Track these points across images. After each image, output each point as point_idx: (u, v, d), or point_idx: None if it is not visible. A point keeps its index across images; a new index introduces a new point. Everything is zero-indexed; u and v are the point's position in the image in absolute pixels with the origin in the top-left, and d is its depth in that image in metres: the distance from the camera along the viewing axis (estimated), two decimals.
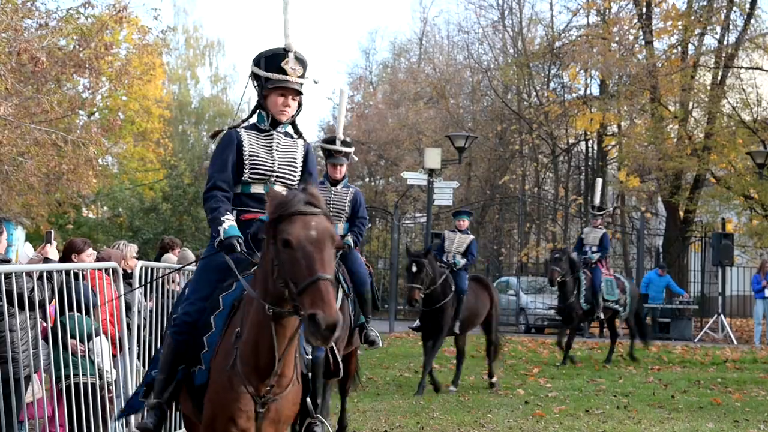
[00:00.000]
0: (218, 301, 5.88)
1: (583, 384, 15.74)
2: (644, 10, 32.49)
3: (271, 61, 6.20)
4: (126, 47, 27.81)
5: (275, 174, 6.24)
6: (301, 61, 6.22)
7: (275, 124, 6.30)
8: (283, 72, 6.16)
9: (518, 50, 41.84)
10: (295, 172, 6.31)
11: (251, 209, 6.20)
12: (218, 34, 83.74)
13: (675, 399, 14.06)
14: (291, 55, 6.18)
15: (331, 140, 10.67)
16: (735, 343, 24.60)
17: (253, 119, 6.42)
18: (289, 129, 6.45)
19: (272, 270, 5.10)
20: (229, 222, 5.98)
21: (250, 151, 6.19)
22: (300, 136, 6.50)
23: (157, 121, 39.04)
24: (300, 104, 6.35)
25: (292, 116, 6.34)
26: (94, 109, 29.21)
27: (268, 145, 6.27)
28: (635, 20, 33.51)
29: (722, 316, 26.31)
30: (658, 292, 26.65)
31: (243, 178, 6.21)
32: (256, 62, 6.26)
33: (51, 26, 20.73)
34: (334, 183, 10.61)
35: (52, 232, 8.54)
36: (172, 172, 38.41)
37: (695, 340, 25.00)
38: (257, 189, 6.25)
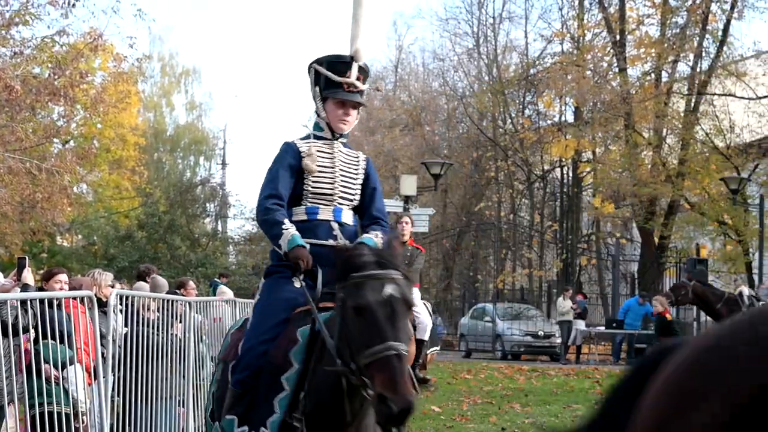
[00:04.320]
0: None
1: (560, 410, 15.75)
2: (618, 37, 32.72)
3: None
4: (101, 75, 27.77)
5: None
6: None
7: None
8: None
9: (493, 77, 42.05)
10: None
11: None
12: (194, 61, 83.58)
13: None
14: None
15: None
16: None
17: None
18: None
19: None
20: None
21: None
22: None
23: (132, 148, 38.97)
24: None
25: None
26: (69, 137, 29.11)
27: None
28: (609, 48, 33.75)
29: None
30: (635, 319, 26.75)
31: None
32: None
33: (26, 54, 20.71)
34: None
35: (26, 258, 8.52)
36: (148, 199, 38.30)
37: None
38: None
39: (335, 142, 5.81)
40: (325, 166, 5.71)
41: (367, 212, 5.90)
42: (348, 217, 5.80)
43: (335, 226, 5.70)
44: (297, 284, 5.46)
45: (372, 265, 4.67)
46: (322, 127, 5.82)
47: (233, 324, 6.30)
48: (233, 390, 5.40)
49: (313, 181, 5.67)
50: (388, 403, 4.30)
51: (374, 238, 5.57)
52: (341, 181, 5.75)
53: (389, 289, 4.58)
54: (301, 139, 5.88)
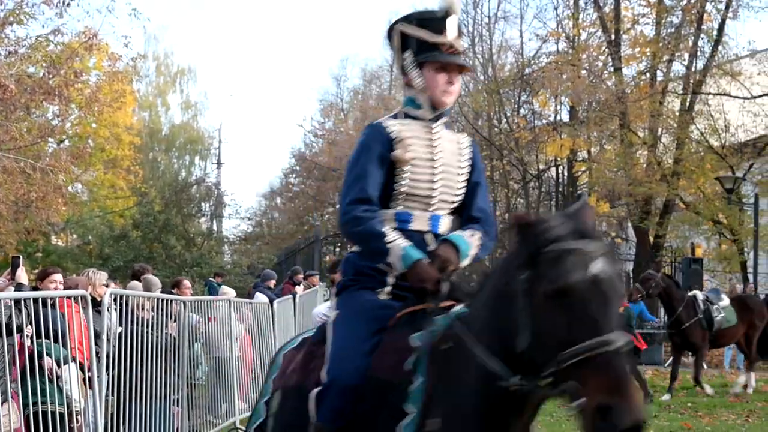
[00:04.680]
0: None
1: (555, 409, 15.71)
2: (613, 37, 32.70)
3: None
4: (96, 74, 27.71)
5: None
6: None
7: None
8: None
9: (488, 77, 42.01)
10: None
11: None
12: (189, 61, 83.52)
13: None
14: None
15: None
16: (705, 367, 24.64)
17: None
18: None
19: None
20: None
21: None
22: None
23: (127, 148, 38.89)
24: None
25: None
26: (64, 137, 29.07)
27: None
28: (604, 47, 33.73)
29: None
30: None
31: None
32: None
33: (20, 53, 20.68)
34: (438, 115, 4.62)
35: (20, 257, 8.51)
36: (143, 199, 38.21)
37: (665, 365, 25.02)
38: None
39: (434, 123, 4.48)
40: (422, 158, 4.37)
41: (465, 212, 4.58)
42: (445, 226, 4.49)
43: (430, 239, 4.39)
44: (382, 297, 4.31)
45: (569, 235, 3.51)
46: (420, 103, 4.46)
47: (284, 344, 5.09)
48: (321, 426, 4.14)
49: (408, 179, 4.34)
50: (613, 414, 3.22)
51: (467, 237, 4.38)
52: (442, 177, 4.42)
53: (598, 266, 3.44)
54: (390, 118, 4.51)
